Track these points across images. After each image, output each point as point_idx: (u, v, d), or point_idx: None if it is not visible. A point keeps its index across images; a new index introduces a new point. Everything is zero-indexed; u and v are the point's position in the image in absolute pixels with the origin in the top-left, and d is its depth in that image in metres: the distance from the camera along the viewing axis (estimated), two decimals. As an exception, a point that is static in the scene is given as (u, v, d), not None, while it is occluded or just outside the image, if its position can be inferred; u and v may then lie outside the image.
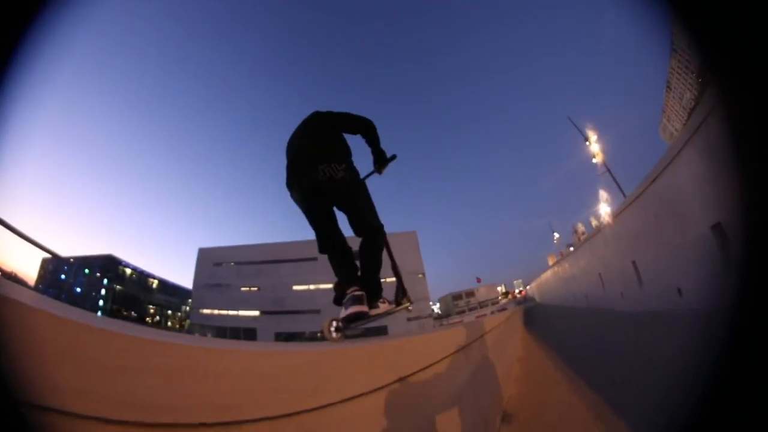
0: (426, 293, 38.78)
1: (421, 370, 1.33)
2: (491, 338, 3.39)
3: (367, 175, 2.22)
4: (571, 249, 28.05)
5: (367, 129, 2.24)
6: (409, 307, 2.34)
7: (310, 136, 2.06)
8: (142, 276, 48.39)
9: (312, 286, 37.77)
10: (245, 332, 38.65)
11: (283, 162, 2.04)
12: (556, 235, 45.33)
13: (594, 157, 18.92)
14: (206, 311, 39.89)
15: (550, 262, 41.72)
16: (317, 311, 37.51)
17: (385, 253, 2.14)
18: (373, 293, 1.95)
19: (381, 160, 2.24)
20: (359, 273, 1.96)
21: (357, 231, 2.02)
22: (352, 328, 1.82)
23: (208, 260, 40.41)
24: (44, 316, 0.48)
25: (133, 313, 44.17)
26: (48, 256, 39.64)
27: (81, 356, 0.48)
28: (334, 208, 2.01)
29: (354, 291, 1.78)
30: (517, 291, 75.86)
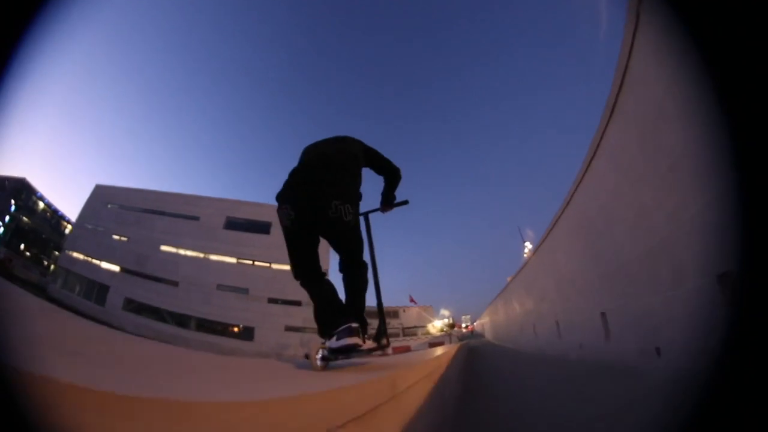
0: (319, 299, 29.44)
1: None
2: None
3: (371, 211, 2.33)
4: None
5: (394, 175, 2.35)
6: (388, 351, 2.44)
7: (337, 161, 2.02)
8: (56, 215, 44.61)
9: (182, 251, 30.68)
10: (99, 289, 31.89)
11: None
12: (528, 245, 32.98)
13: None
14: (77, 255, 34.01)
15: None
16: (175, 283, 29.90)
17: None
18: (363, 329, 1.92)
19: (390, 202, 2.41)
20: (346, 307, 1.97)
21: (343, 266, 2.06)
22: (340, 359, 1.84)
23: (100, 199, 35.52)
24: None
25: (32, 251, 39.73)
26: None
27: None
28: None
29: (351, 323, 1.75)
30: (464, 325, 70.34)
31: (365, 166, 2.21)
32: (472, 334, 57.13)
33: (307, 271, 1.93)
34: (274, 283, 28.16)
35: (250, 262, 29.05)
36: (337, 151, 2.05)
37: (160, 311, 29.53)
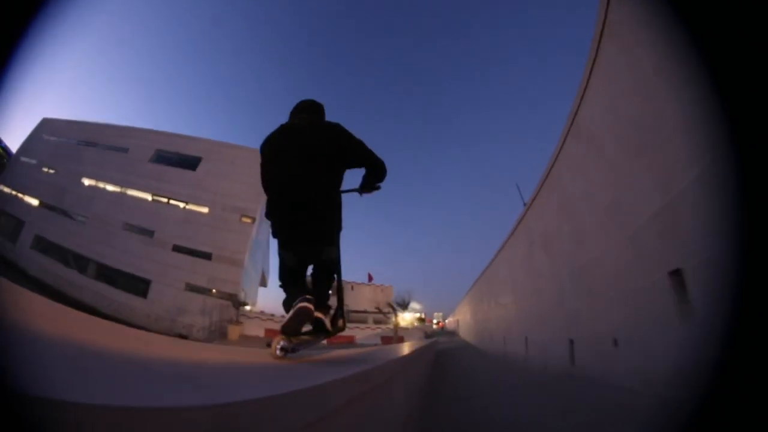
0: (243, 255, 23.68)
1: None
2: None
3: (348, 191, 2.27)
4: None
5: (379, 170, 2.26)
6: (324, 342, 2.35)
7: (321, 195, 2.02)
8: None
9: (101, 184, 26.24)
10: (16, 225, 27.99)
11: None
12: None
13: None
14: (6, 189, 30.60)
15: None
16: (84, 219, 25.31)
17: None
18: (322, 306, 2.06)
19: (369, 188, 2.35)
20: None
21: (320, 271, 2.22)
22: (299, 349, 1.91)
23: (42, 132, 32.35)
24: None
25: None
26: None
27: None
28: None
29: (305, 296, 1.86)
30: (434, 321, 68.02)
31: (346, 167, 2.18)
32: (443, 330, 55.79)
33: (291, 280, 2.10)
34: (185, 228, 22.99)
35: (165, 200, 24.03)
36: (312, 174, 1.99)
37: (64, 251, 24.90)
